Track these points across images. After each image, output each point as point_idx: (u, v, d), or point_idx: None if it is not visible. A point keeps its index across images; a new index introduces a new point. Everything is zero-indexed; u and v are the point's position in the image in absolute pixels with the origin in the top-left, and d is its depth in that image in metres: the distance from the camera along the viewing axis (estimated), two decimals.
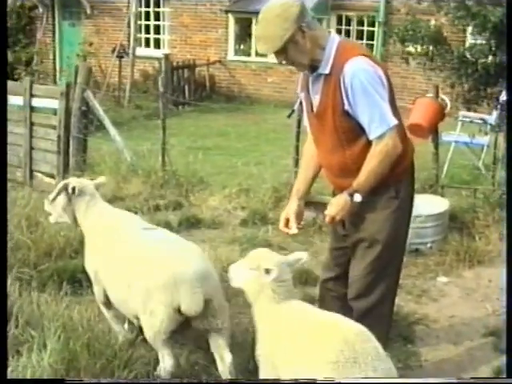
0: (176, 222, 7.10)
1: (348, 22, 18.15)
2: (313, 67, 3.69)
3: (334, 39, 3.66)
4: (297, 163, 7.31)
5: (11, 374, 3.62)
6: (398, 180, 3.75)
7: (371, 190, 3.66)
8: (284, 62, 3.72)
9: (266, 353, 3.41)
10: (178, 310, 3.87)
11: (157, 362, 4.04)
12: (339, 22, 18.28)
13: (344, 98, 3.56)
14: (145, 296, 3.91)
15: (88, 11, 20.44)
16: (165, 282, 3.85)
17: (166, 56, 17.66)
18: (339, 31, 18.39)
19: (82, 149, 9.14)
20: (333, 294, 4.24)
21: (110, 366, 3.84)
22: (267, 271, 3.37)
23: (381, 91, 3.54)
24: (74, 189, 4.60)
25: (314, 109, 3.77)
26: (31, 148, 9.41)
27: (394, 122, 3.54)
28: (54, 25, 21.35)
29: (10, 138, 9.31)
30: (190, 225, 7.14)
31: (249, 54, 18.23)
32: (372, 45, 17.13)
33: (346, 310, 4.01)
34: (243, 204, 7.71)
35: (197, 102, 17.51)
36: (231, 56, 18.90)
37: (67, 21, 21.36)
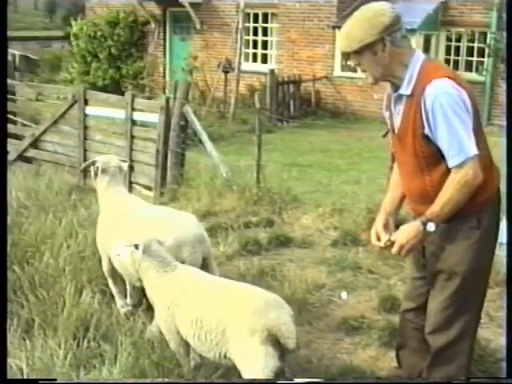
0: (266, 239, 7.04)
1: (458, 39, 17.67)
2: (395, 86, 3.57)
3: (418, 58, 3.51)
4: None
5: None
6: (480, 209, 3.55)
7: (451, 218, 3.48)
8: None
9: (164, 319, 3.98)
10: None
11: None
12: (449, 39, 17.83)
13: (424, 121, 3.40)
14: None
15: (198, 26, 20.83)
16: (169, 244, 4.36)
17: (272, 71, 17.72)
18: (448, 48, 18.00)
19: (180, 163, 9.24)
20: (412, 325, 4.07)
21: None
22: (136, 246, 4.08)
23: (463, 117, 3.35)
24: (97, 168, 5.37)
25: (396, 130, 3.64)
26: (131, 160, 9.59)
27: (473, 151, 3.34)
28: (164, 39, 21.90)
29: (111, 150, 9.60)
30: (279, 243, 7.04)
31: (355, 70, 17.76)
32: (482, 62, 16.60)
33: (425, 343, 3.84)
34: (336, 224, 7.55)
35: (301, 118, 17.51)
36: (338, 72, 18.77)
37: (178, 35, 21.86)
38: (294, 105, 18.27)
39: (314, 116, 18.03)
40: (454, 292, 3.64)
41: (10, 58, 15.43)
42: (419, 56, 3.53)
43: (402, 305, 4.23)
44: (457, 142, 3.34)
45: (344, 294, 5.80)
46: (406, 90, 3.49)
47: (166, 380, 3.83)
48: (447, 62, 18.00)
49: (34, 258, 5.56)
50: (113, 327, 4.51)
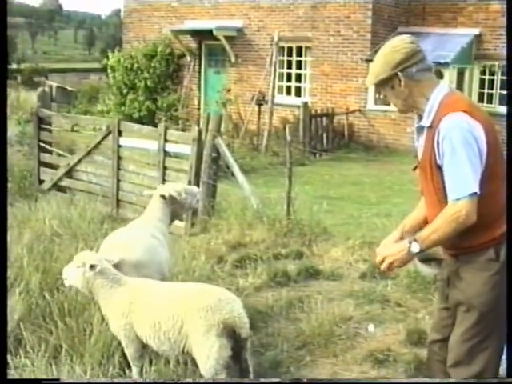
0: (295, 271, 7.04)
1: (492, 72, 17.63)
2: (420, 117, 3.62)
3: (441, 90, 3.55)
4: None
5: None
6: (498, 242, 3.53)
7: (469, 250, 3.51)
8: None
9: (122, 328, 4.30)
10: None
11: None
12: (483, 72, 17.80)
13: (436, 152, 3.45)
14: None
15: (233, 59, 21.08)
16: (115, 263, 4.68)
17: (305, 104, 17.83)
18: (482, 81, 17.96)
19: (211, 194, 9.31)
20: (438, 357, 4.02)
21: None
22: (92, 267, 4.37)
23: (470, 154, 3.36)
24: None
25: (419, 161, 3.69)
26: None
27: (473, 190, 3.34)
28: (199, 72, 22.17)
29: (144, 181, 9.73)
30: (308, 275, 7.03)
31: (388, 104, 17.95)
32: None
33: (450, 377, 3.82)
34: (365, 257, 7.53)
35: (334, 151, 17.55)
36: (371, 105, 18.83)
37: (213, 68, 22.12)
38: (327, 138, 18.33)
39: (346, 149, 18.09)
40: (473, 325, 3.60)
41: (47, 89, 15.74)
42: (442, 88, 3.57)
43: (429, 336, 4.21)
44: (460, 177, 3.37)
45: (371, 327, 5.77)
46: (426, 121, 3.54)
47: (166, 380, 3.85)
48: (481, 95, 17.98)
49: (64, 285, 5.62)
50: None
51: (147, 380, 3.98)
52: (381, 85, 3.59)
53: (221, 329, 3.95)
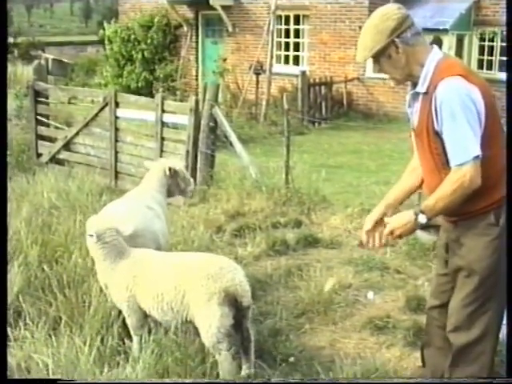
0: (293, 240, 7.04)
1: (491, 38, 17.50)
2: (414, 84, 3.60)
3: (435, 56, 3.53)
4: (421, 185, 7.08)
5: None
6: (497, 206, 3.53)
7: (469, 215, 3.51)
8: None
9: (126, 300, 4.33)
10: None
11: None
12: (482, 39, 17.67)
13: (434, 118, 3.43)
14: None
15: (230, 29, 20.93)
16: (128, 234, 4.67)
17: (303, 73, 17.72)
18: (482, 47, 17.83)
19: (210, 164, 9.29)
20: (437, 323, 4.04)
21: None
22: (98, 236, 4.39)
23: (470, 117, 3.34)
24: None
25: (415, 127, 3.67)
26: None
27: (476, 153, 3.33)
28: (197, 42, 22.02)
29: (142, 152, 9.70)
30: (307, 243, 7.03)
31: None
32: None
33: (450, 343, 3.82)
34: None
35: (333, 119, 17.48)
36: (369, 73, 18.66)
37: (210, 38, 21.97)
38: (326, 106, 18.24)
39: (345, 117, 17.99)
40: (473, 290, 3.61)
41: (43, 62, 15.62)
42: (436, 54, 3.55)
43: (428, 302, 4.24)
44: (461, 141, 3.36)
45: (370, 294, 5.78)
46: (421, 87, 3.52)
47: (167, 380, 3.86)
48: (480, 62, 17.85)
49: (63, 257, 5.64)
50: None
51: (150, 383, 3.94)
52: (377, 57, 3.51)
53: (222, 297, 3.95)
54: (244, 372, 4.13)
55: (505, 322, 3.77)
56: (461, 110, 3.33)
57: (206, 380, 3.75)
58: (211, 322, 3.95)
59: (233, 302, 4.00)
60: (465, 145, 3.35)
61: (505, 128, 3.60)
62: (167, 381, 3.82)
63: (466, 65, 3.86)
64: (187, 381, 3.81)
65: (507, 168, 3.52)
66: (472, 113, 3.35)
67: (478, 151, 3.34)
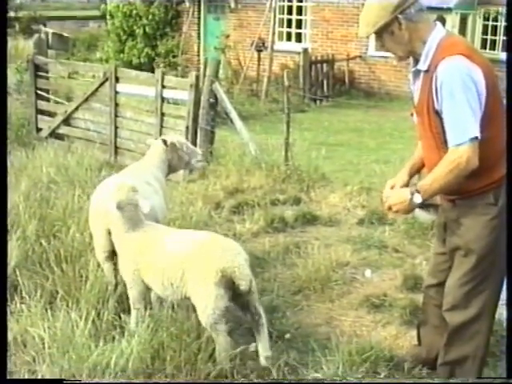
0: (292, 217, 7.03)
1: (495, 18, 17.37)
2: (416, 61, 3.57)
3: (438, 33, 3.49)
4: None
5: (97, 357, 3.70)
6: (497, 185, 3.51)
7: (468, 194, 3.50)
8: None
9: (131, 271, 4.31)
10: (109, 233, 4.68)
11: (242, 357, 4.01)
12: (486, 18, 17.54)
13: (434, 97, 3.41)
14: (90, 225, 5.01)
15: (232, 5, 20.78)
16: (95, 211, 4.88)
17: (305, 50, 17.65)
18: (485, 27, 17.71)
19: (209, 140, 9.26)
20: (434, 301, 4.05)
21: (194, 359, 3.84)
22: (119, 205, 4.31)
23: (470, 98, 3.31)
24: None
25: (415, 104, 3.65)
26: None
27: (474, 134, 3.31)
28: (199, 18, 21.86)
29: (142, 128, 9.67)
30: (305, 221, 7.02)
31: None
32: None
33: (446, 321, 3.82)
34: (363, 203, 7.52)
35: (335, 97, 17.42)
36: (372, 51, 18.58)
37: (212, 14, 21.81)
38: (328, 84, 18.17)
39: (347, 95, 17.92)
40: (471, 269, 3.61)
41: (43, 35, 15.51)
42: (439, 31, 3.51)
43: (425, 280, 4.25)
44: (460, 122, 3.33)
45: (368, 272, 5.78)
46: (423, 65, 3.50)
47: (167, 380, 3.85)
48: (484, 41, 17.74)
49: (61, 232, 5.63)
50: None
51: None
52: (379, 33, 3.49)
53: (219, 277, 3.87)
54: (262, 357, 4.09)
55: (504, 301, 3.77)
56: (461, 90, 3.30)
57: (205, 380, 3.74)
58: (207, 303, 3.90)
59: (230, 284, 3.91)
60: (463, 125, 3.32)
61: (504, 106, 3.58)
62: (165, 381, 3.80)
63: (469, 43, 3.83)
64: (183, 381, 3.80)
65: (507, 149, 3.50)
66: (472, 93, 3.32)
67: (476, 133, 3.31)
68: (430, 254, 6.05)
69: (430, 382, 3.88)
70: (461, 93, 3.30)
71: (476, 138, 3.32)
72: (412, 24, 3.45)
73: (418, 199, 3.46)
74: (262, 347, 4.11)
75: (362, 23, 3.54)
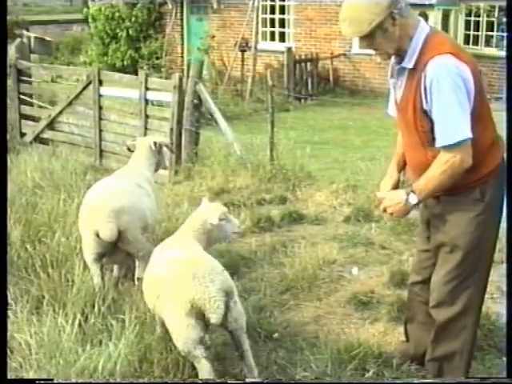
0: (278, 216, 7.03)
1: (477, 13, 17.43)
2: (399, 57, 3.49)
3: (423, 30, 3.42)
4: None
5: (84, 361, 3.68)
6: (483, 182, 3.50)
7: (454, 190, 3.47)
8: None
9: None
10: (98, 236, 4.75)
11: (230, 361, 4.00)
12: (468, 14, 17.60)
13: (423, 97, 3.35)
14: (80, 227, 5.07)
15: (215, 6, 20.76)
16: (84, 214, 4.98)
17: (289, 49, 17.68)
18: (468, 22, 17.76)
19: (194, 141, 9.24)
20: (419, 298, 4.04)
21: (182, 361, 3.82)
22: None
23: (460, 98, 3.28)
24: None
25: (398, 102, 3.60)
26: None
27: (466, 135, 3.29)
28: (182, 19, 21.83)
29: (126, 130, 9.64)
30: (292, 220, 7.02)
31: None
32: (502, 37, 16.38)
33: (432, 317, 3.82)
34: (349, 200, 7.52)
35: (319, 96, 17.43)
36: (355, 49, 18.57)
37: (195, 15, 21.78)
38: (312, 83, 18.21)
39: (331, 94, 17.95)
40: (456, 265, 3.60)
41: (25, 40, 15.45)
42: (424, 28, 3.44)
43: (410, 278, 4.23)
44: (451, 123, 3.30)
45: (355, 270, 5.78)
46: (408, 63, 3.43)
47: (166, 380, 3.84)
48: (467, 37, 17.80)
49: (46, 236, 5.61)
50: (119, 303, 4.55)
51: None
52: (371, 33, 3.32)
53: (188, 308, 3.61)
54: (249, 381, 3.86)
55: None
56: (451, 90, 3.26)
57: (204, 380, 3.72)
58: (179, 332, 3.69)
59: (201, 315, 3.63)
60: (455, 126, 3.29)
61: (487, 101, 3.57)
62: (163, 380, 3.78)
63: (454, 41, 3.78)
64: (190, 381, 3.78)
65: (507, 150, 3.49)
66: (462, 92, 3.28)
67: (468, 133, 3.29)
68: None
69: (430, 381, 3.87)
70: (451, 92, 3.26)
71: (468, 139, 3.29)
72: (403, 20, 3.35)
73: (413, 200, 3.45)
74: (251, 374, 3.87)
75: (353, 21, 3.34)
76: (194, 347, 3.64)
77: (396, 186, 3.82)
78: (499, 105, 10.90)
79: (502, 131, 3.71)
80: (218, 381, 3.77)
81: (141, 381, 3.82)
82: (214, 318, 3.57)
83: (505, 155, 3.63)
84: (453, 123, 3.29)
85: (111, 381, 3.67)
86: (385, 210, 3.59)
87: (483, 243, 3.59)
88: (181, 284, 3.67)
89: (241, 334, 3.82)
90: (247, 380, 3.79)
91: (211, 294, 3.59)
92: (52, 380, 3.61)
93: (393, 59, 3.61)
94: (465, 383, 3.74)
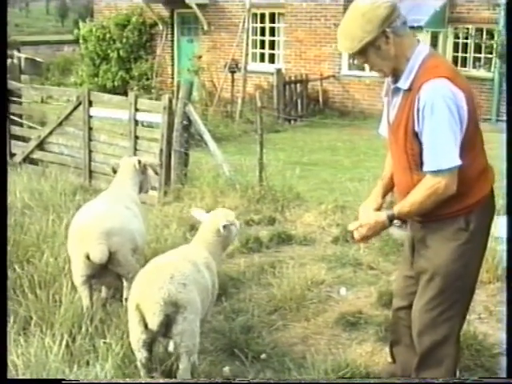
0: (267, 237, 7.05)
1: (466, 36, 17.60)
2: (396, 77, 3.45)
3: (421, 51, 3.39)
4: None
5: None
6: (469, 211, 3.45)
7: (439, 218, 3.44)
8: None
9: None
10: (88, 258, 4.71)
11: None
12: (456, 36, 17.77)
13: (415, 118, 3.31)
14: (69, 250, 5.04)
15: (205, 27, 20.89)
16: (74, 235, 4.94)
17: (278, 70, 17.76)
18: (456, 45, 17.93)
19: (184, 162, 9.27)
20: (404, 323, 3.97)
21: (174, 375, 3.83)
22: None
23: (453, 124, 3.23)
24: None
25: (390, 122, 3.57)
26: None
27: (454, 162, 3.25)
28: (172, 41, 22.00)
29: (116, 151, 9.66)
30: (281, 241, 7.04)
31: (363, 69, 17.84)
32: (491, 59, 16.54)
33: None
34: (338, 221, 7.55)
35: (309, 117, 17.50)
36: (345, 70, 18.76)
37: (186, 37, 21.93)
38: (302, 104, 18.30)
39: (321, 115, 18.03)
40: (437, 294, 3.55)
41: (15, 61, 15.50)
42: (422, 49, 3.41)
43: (394, 303, 4.15)
44: (441, 149, 3.26)
45: (343, 290, 5.79)
46: (403, 84, 3.39)
47: (166, 380, 3.84)
48: (455, 58, 17.94)
49: (35, 257, 5.60)
50: (107, 324, 4.55)
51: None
52: (364, 50, 3.30)
53: (133, 309, 3.81)
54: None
55: None
56: (444, 115, 3.22)
57: (205, 380, 3.72)
58: (130, 330, 3.89)
59: (143, 318, 3.81)
60: (444, 152, 3.25)
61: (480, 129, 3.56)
62: (161, 381, 3.78)
63: (452, 65, 3.68)
64: (188, 381, 3.78)
65: (507, 150, 3.46)
66: (455, 119, 3.24)
67: (457, 160, 3.25)
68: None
69: (431, 382, 3.87)
70: (444, 117, 3.22)
71: (455, 166, 3.26)
72: (397, 38, 3.31)
73: (396, 223, 3.50)
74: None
75: (345, 38, 3.32)
76: (137, 349, 3.83)
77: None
78: (487, 126, 11.00)
79: (491, 150, 3.70)
80: (222, 381, 3.78)
81: (141, 381, 3.82)
82: (150, 323, 3.74)
83: (494, 185, 3.60)
84: (442, 149, 3.25)
85: (114, 380, 3.67)
86: (361, 239, 3.59)
87: (466, 273, 3.54)
88: (135, 285, 3.94)
89: (182, 352, 3.87)
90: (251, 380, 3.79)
91: (154, 299, 3.74)
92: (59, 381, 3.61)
93: (389, 78, 3.56)
94: (465, 383, 3.73)
